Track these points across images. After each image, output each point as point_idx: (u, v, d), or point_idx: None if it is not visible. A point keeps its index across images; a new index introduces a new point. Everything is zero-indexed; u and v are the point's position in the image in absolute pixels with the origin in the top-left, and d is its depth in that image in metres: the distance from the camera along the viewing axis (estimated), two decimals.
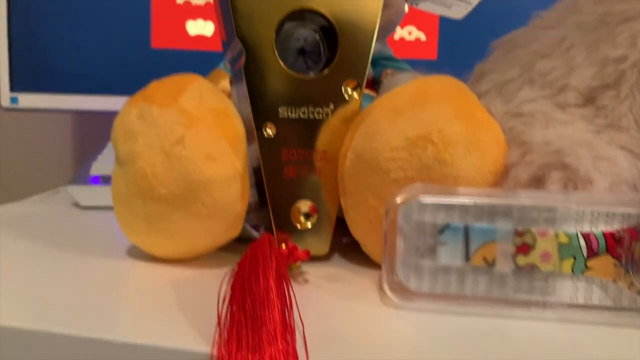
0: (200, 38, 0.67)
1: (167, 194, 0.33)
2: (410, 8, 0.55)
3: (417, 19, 0.70)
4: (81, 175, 0.57)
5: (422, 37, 0.70)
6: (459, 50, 0.70)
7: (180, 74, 0.36)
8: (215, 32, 0.67)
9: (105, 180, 0.55)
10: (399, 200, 0.29)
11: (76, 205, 0.53)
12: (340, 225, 0.37)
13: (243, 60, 0.35)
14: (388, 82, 0.45)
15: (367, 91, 0.45)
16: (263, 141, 0.36)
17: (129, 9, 0.66)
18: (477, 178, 0.31)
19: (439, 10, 0.56)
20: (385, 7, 0.50)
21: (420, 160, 0.31)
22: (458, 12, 0.55)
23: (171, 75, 0.36)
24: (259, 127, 0.36)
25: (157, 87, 0.34)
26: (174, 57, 0.67)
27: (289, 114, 0.36)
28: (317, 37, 0.38)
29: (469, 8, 0.55)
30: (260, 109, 0.36)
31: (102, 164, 0.57)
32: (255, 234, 0.38)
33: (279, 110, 0.36)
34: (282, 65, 0.36)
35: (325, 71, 0.37)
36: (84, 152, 0.75)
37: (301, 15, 0.37)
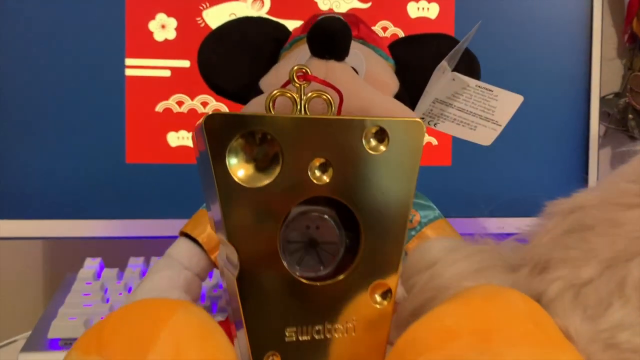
0: (182, 150, 0.58)
1: None
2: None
3: None
4: (37, 337, 0.47)
5: (434, 141, 0.62)
6: (473, 155, 0.62)
7: (152, 301, 0.27)
8: None
9: (67, 343, 0.45)
10: None
11: None
12: None
13: (237, 272, 0.26)
14: (413, 258, 0.36)
15: None
16: None
17: (100, 120, 0.57)
18: None
19: (462, 133, 0.48)
20: None
21: None
22: (485, 136, 0.47)
23: (137, 305, 0.26)
24: None
25: (117, 336, 0.24)
26: (153, 173, 0.58)
27: (299, 336, 0.27)
28: (332, 222, 0.29)
29: (498, 131, 0.47)
30: (260, 335, 0.26)
31: (63, 322, 0.47)
32: None
33: (286, 333, 0.27)
34: (288, 270, 0.27)
35: (344, 273, 0.28)
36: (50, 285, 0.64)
37: (312, 199, 0.28)
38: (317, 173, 0.27)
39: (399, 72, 0.48)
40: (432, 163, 0.62)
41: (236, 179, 0.26)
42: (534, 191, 0.67)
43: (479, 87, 0.50)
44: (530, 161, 0.64)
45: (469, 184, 0.63)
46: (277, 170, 0.27)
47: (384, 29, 0.61)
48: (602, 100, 0.66)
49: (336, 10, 0.60)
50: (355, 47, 0.45)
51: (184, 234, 0.43)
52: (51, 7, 0.56)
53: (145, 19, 0.57)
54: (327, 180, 0.27)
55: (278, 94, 0.31)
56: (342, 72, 0.40)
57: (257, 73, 0.47)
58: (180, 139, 0.58)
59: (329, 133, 0.28)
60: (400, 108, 0.43)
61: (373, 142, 0.28)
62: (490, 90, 0.50)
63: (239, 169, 0.26)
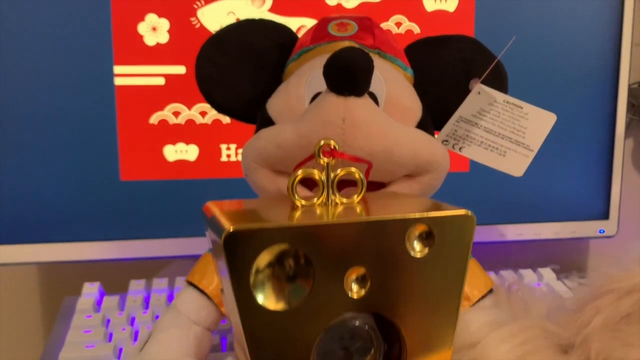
0: (181, 164, 0.54)
1: None
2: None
3: None
4: None
5: None
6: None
7: None
8: (200, 156, 0.54)
9: None
10: None
11: None
12: None
13: None
14: None
15: None
16: None
17: (90, 135, 0.52)
18: None
19: (490, 160, 0.43)
20: (425, 172, 0.39)
21: None
22: (516, 164, 0.43)
23: None
24: None
25: None
26: (149, 190, 0.54)
27: None
28: (370, 331, 0.25)
29: (530, 157, 0.43)
30: None
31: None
32: None
33: None
34: None
35: None
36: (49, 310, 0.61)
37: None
38: (354, 287, 0.24)
39: (418, 82, 0.44)
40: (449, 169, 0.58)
41: (261, 302, 0.22)
42: (554, 195, 0.64)
43: (508, 102, 0.45)
44: (551, 164, 0.60)
45: (487, 190, 0.59)
46: (308, 288, 0.23)
47: (398, 24, 0.55)
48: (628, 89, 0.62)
49: (345, 5, 0.54)
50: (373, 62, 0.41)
51: (190, 283, 0.40)
52: (26, 10, 0.50)
53: (134, 21, 0.51)
54: (364, 293, 0.24)
55: (301, 175, 0.27)
56: (363, 111, 0.35)
57: (262, 86, 0.43)
58: (178, 152, 0.54)
59: (366, 238, 0.24)
60: (426, 141, 0.39)
61: (417, 244, 0.24)
62: (520, 107, 0.45)
63: (265, 290, 0.23)
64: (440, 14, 0.55)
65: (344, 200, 0.27)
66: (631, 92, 0.63)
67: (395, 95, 0.40)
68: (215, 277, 0.39)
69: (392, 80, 0.40)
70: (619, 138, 0.61)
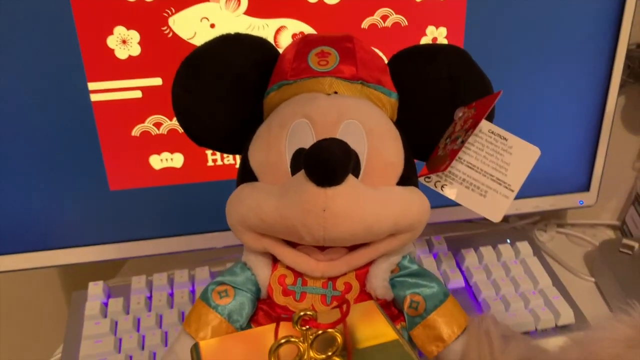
0: (168, 171, 0.54)
1: None
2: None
3: None
4: None
5: None
6: None
7: None
8: (185, 163, 0.54)
9: None
10: None
11: None
12: None
13: None
14: None
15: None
16: None
17: (75, 152, 0.52)
18: None
19: (470, 202, 0.44)
20: (406, 232, 0.40)
21: None
22: (495, 207, 0.44)
23: None
24: None
25: None
26: (139, 197, 0.55)
27: None
28: None
29: (510, 198, 0.44)
30: None
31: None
32: None
33: None
34: None
35: None
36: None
37: None
38: None
39: (402, 106, 0.43)
40: None
41: None
42: (540, 170, 0.64)
43: (492, 133, 0.45)
44: (539, 139, 0.60)
45: None
46: None
47: (384, 17, 0.52)
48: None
49: (327, 1, 0.50)
50: (354, 110, 0.40)
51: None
52: None
53: (102, 35, 0.48)
54: None
55: (283, 341, 0.29)
56: (342, 200, 0.36)
57: (242, 116, 0.43)
58: (163, 161, 0.54)
59: None
60: (407, 206, 0.40)
61: None
62: (504, 138, 0.45)
63: None
64: (429, 3, 0.51)
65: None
66: (627, 53, 0.61)
67: (378, 152, 0.40)
68: (209, 331, 0.42)
69: (375, 134, 0.40)
70: (609, 114, 0.60)
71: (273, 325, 0.30)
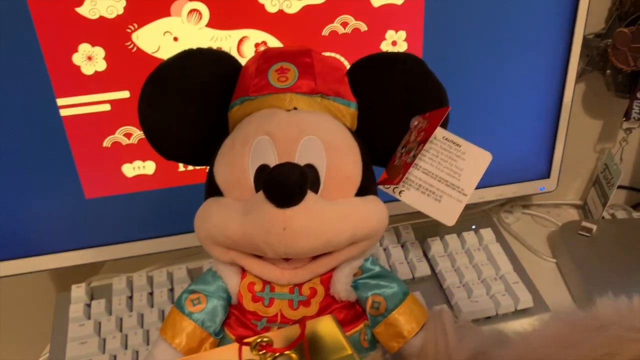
0: (140, 178, 0.56)
1: None
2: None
3: None
4: None
5: None
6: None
7: None
8: (157, 169, 0.56)
9: None
10: None
11: None
12: None
13: None
14: None
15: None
16: None
17: (49, 165, 0.54)
18: None
19: (426, 207, 0.46)
20: (364, 240, 0.43)
21: None
22: (449, 211, 0.46)
23: None
24: None
25: None
26: (114, 203, 0.57)
27: None
28: None
29: (463, 203, 0.46)
30: None
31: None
32: None
33: None
34: None
35: None
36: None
37: None
38: None
39: (361, 115, 0.45)
40: None
41: None
42: (500, 160, 0.66)
43: (447, 139, 0.47)
44: (498, 129, 0.63)
45: None
46: None
47: (344, 24, 0.53)
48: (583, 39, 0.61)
49: (287, 11, 0.51)
50: (314, 126, 0.42)
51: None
52: None
53: (67, 53, 0.49)
54: None
55: None
56: (300, 220, 0.39)
57: (209, 130, 0.44)
58: (135, 169, 0.56)
59: None
60: (364, 217, 0.42)
61: None
62: (457, 144, 0.47)
63: None
64: (387, 8, 0.53)
65: None
66: (586, 42, 0.63)
67: (336, 166, 0.42)
68: (184, 337, 0.45)
69: (333, 148, 0.42)
70: (566, 106, 0.62)
71: (235, 345, 0.33)
